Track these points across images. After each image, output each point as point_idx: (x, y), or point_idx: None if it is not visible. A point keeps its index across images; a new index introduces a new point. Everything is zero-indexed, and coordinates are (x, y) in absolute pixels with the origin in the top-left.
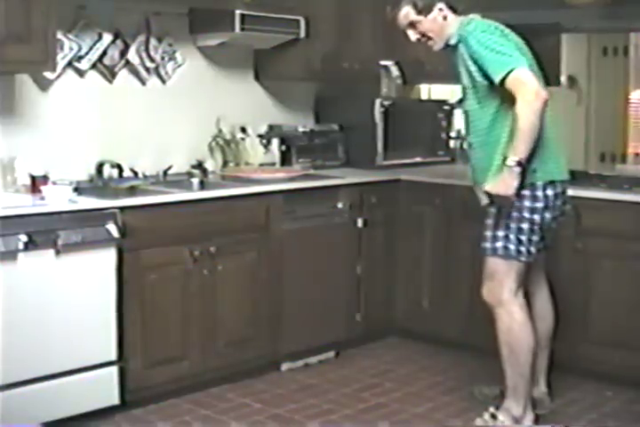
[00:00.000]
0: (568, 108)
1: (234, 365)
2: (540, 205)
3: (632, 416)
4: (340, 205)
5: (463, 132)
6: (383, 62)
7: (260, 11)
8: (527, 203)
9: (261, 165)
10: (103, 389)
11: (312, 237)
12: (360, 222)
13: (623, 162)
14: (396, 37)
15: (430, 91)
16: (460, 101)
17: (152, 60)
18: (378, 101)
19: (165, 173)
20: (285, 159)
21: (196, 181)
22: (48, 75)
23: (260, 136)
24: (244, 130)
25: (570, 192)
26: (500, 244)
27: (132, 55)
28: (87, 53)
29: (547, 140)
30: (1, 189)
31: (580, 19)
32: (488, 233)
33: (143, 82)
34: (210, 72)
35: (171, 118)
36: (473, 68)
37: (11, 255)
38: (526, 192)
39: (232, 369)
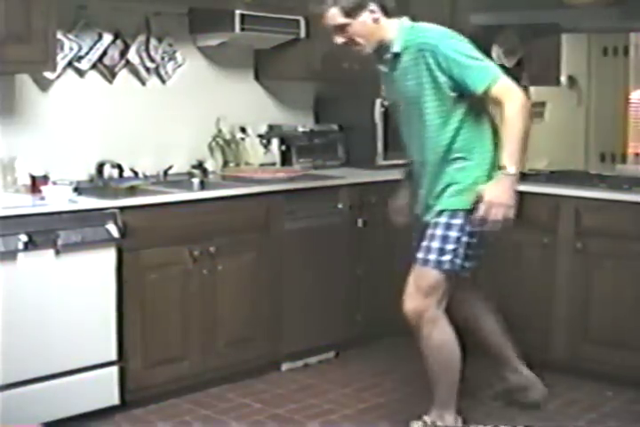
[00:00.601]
0: (568, 108)
1: (234, 365)
2: None
3: (632, 416)
4: (340, 205)
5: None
6: None
7: (260, 11)
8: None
9: (261, 165)
10: (103, 389)
11: (312, 237)
12: (360, 222)
13: (623, 162)
14: None
15: None
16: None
17: (152, 60)
18: (378, 101)
19: (166, 173)
20: (285, 159)
21: (196, 181)
22: (48, 75)
23: (260, 136)
24: (243, 130)
25: (570, 192)
26: (447, 257)
27: (132, 55)
28: (87, 53)
29: None
30: (1, 189)
31: (579, 19)
32: (435, 245)
33: (143, 82)
34: (210, 72)
35: (171, 118)
36: (442, 79)
37: (11, 255)
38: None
39: (232, 369)
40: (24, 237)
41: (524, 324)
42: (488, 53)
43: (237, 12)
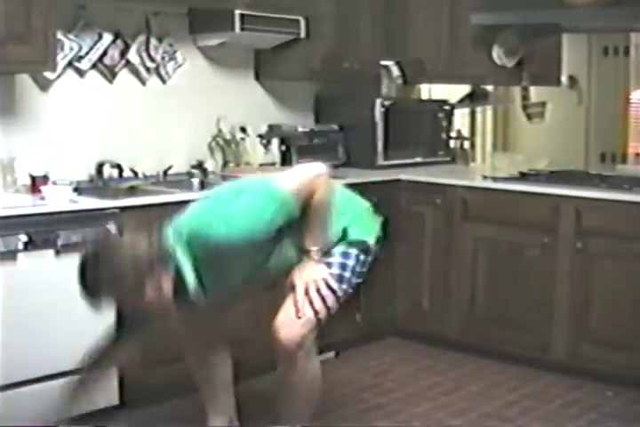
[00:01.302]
0: (568, 108)
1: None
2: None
3: (633, 416)
4: None
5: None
6: (383, 62)
7: (260, 11)
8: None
9: (261, 165)
10: (103, 389)
11: None
12: None
13: (623, 162)
14: (396, 37)
15: (430, 91)
16: None
17: (152, 60)
18: (378, 101)
19: (165, 173)
20: (285, 159)
21: (196, 181)
22: (48, 75)
23: (260, 136)
24: (243, 130)
25: (570, 192)
26: (345, 286)
27: (132, 55)
28: (87, 53)
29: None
30: (1, 189)
31: (579, 19)
32: (334, 271)
33: (143, 82)
34: (210, 72)
35: (171, 118)
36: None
37: (11, 255)
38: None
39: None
40: (24, 237)
41: (524, 324)
42: (488, 53)
43: (237, 11)
